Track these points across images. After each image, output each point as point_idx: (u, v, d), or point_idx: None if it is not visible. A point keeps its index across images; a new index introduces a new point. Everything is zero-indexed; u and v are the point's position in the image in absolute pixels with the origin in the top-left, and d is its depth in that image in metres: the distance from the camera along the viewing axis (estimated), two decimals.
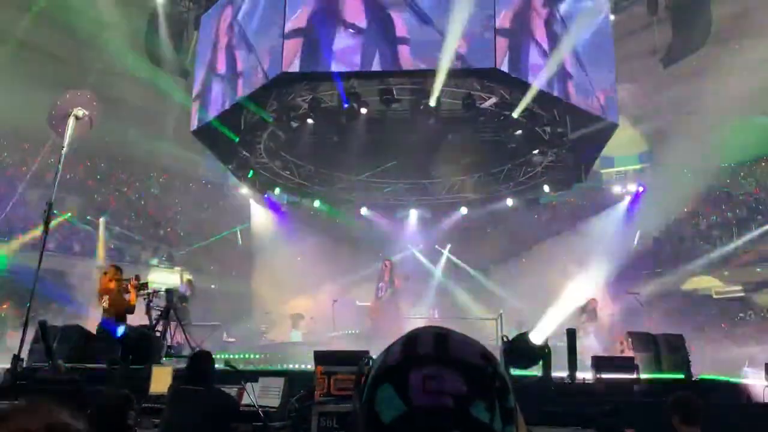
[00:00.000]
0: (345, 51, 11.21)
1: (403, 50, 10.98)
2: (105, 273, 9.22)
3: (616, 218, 17.98)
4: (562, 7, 12.19)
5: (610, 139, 13.52)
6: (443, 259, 18.95)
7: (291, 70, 11.22)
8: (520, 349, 6.30)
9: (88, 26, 14.24)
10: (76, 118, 5.46)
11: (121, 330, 7.03)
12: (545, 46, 11.72)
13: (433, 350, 1.02)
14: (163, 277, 13.57)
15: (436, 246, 18.92)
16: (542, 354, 6.43)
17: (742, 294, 15.79)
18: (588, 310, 11.95)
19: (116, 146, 17.33)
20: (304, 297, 16.51)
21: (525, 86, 11.36)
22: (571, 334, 6.92)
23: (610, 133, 13.22)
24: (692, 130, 16.78)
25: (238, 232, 19.11)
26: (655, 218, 19.35)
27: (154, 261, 17.50)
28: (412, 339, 1.07)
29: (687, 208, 19.55)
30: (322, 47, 11.21)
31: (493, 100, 12.08)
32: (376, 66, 11.17)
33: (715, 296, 16.01)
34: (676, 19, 12.81)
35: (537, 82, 11.29)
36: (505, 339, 6.45)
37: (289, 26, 11.26)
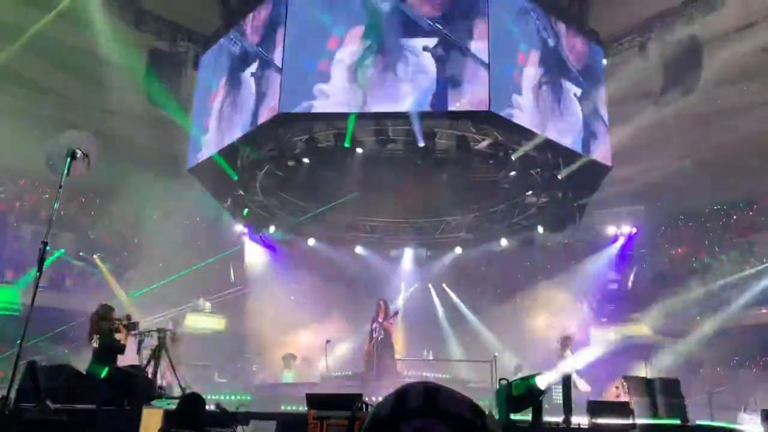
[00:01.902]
0: (339, 92, 11.38)
1: (399, 91, 11.16)
2: (96, 312, 9.13)
3: (610, 259, 18.00)
4: (555, 48, 12.47)
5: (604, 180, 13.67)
6: (438, 300, 18.87)
7: (287, 110, 11.35)
8: (520, 393, 6.25)
9: (86, 64, 14.38)
10: (74, 158, 5.48)
11: (104, 371, 6.91)
12: (538, 89, 11.94)
13: (422, 404, 1.04)
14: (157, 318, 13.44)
15: (430, 285, 18.87)
16: (538, 397, 6.38)
17: None
18: (566, 344, 11.97)
19: (111, 183, 17.34)
20: (297, 336, 16.37)
21: (518, 129, 11.52)
22: (567, 379, 6.87)
23: (604, 175, 13.36)
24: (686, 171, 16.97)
25: (231, 270, 19.01)
26: (650, 260, 19.42)
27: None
28: (402, 394, 1.09)
29: (681, 250, 19.62)
30: (318, 88, 11.37)
31: (487, 141, 12.23)
32: (370, 107, 11.31)
33: None
34: (667, 63, 13.07)
35: (531, 126, 11.48)
36: (503, 382, 6.41)
37: (286, 67, 11.43)
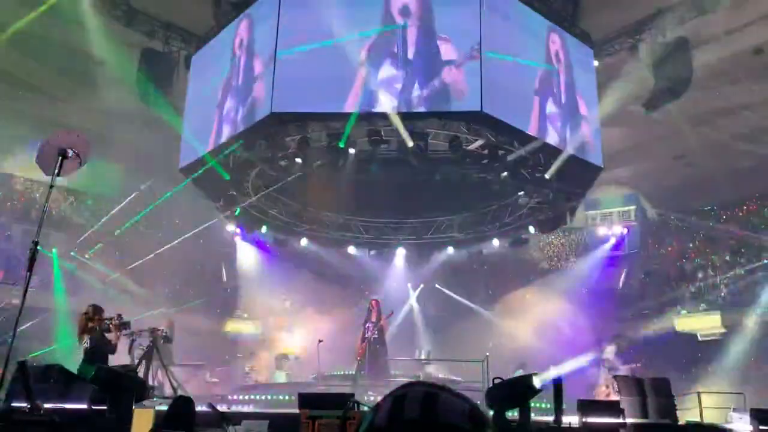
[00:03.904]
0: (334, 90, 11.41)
1: (383, 95, 11.22)
2: (85, 312, 9.07)
3: (601, 259, 18.10)
4: (556, 48, 12.55)
5: (595, 181, 13.76)
6: (430, 299, 18.89)
7: (280, 110, 11.33)
8: (513, 391, 6.28)
9: (76, 63, 14.32)
10: (66, 157, 5.45)
11: (90, 371, 6.88)
12: (530, 90, 11.99)
13: (419, 414, 1.02)
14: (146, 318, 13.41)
15: (422, 285, 18.89)
16: (532, 397, 6.41)
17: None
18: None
19: (102, 182, 17.28)
20: (289, 336, 16.37)
21: (510, 129, 11.55)
22: (558, 379, 6.90)
23: (595, 176, 13.43)
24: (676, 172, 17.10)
25: (223, 270, 18.99)
26: (640, 260, 19.51)
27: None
28: (399, 400, 1.06)
29: (671, 250, 19.73)
30: (311, 87, 11.36)
31: (479, 142, 12.26)
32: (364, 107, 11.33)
33: (700, 338, 16.00)
34: (658, 65, 13.16)
35: (522, 127, 11.52)
36: (497, 381, 6.43)
37: (279, 66, 11.41)
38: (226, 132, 12.68)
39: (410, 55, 11.20)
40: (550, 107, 12.26)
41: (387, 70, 11.20)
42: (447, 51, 11.11)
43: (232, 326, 18.06)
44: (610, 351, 12.41)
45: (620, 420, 7.04)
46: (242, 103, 12.33)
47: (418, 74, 11.14)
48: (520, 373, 11.90)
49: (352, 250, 17.81)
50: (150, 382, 9.34)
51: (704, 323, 16.00)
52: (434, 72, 11.12)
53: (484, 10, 11.08)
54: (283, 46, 11.43)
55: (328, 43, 11.27)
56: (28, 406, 7.11)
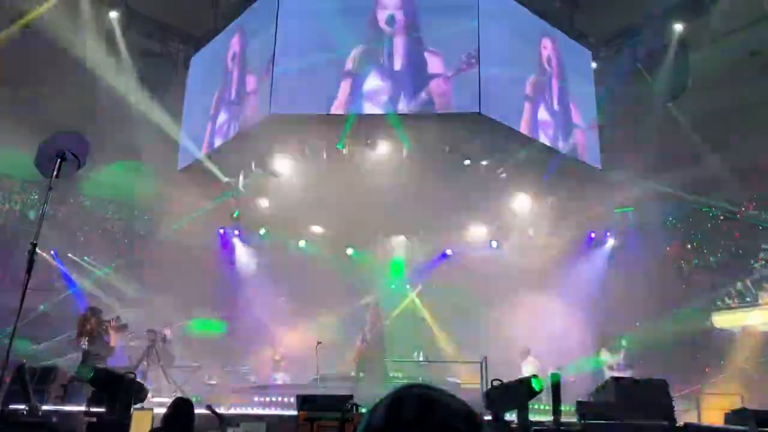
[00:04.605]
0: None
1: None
2: (83, 314, 9.09)
3: (600, 260, 18.08)
4: (548, 53, 12.55)
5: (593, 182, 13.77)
6: (429, 300, 18.87)
7: (278, 112, 11.33)
8: (512, 392, 6.28)
9: (75, 64, 14.31)
10: (64, 159, 5.45)
11: (88, 373, 6.88)
12: (529, 91, 12.01)
13: (416, 415, 1.02)
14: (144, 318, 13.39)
15: (421, 286, 18.88)
16: (531, 398, 6.41)
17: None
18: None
19: (101, 184, 17.25)
20: (288, 338, 16.33)
21: (508, 131, 11.56)
22: (556, 380, 6.89)
23: (593, 178, 13.45)
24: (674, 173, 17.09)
25: (221, 272, 18.94)
26: (640, 262, 19.50)
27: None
28: (396, 402, 1.06)
29: (670, 251, 19.72)
30: (309, 89, 11.37)
31: (478, 143, 12.27)
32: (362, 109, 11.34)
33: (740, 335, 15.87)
34: (656, 66, 13.19)
35: (520, 128, 11.54)
36: (496, 383, 6.43)
37: (278, 67, 11.41)
38: (224, 133, 12.72)
39: (397, 66, 11.20)
40: (542, 113, 12.27)
41: (373, 82, 11.19)
42: (434, 63, 11.11)
43: (197, 325, 17.77)
44: (609, 352, 12.45)
45: (618, 421, 7.04)
46: (235, 118, 12.36)
47: (404, 86, 11.13)
48: (529, 360, 12.52)
49: (350, 251, 17.80)
50: (148, 384, 9.33)
51: (754, 318, 15.84)
52: (421, 84, 11.11)
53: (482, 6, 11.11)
54: (281, 46, 11.43)
55: (316, 53, 11.31)
56: (26, 408, 7.11)
